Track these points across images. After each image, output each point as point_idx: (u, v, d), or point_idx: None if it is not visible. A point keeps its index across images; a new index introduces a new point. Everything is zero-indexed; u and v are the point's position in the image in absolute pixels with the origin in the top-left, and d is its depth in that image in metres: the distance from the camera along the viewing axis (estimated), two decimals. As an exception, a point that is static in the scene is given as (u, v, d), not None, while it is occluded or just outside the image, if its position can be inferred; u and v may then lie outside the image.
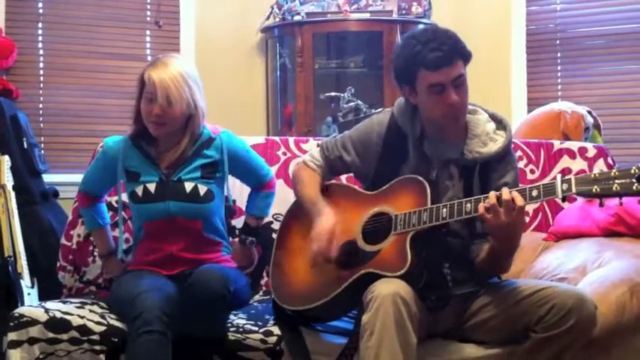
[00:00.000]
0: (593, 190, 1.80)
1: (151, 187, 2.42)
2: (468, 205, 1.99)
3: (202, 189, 2.43)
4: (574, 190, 1.83)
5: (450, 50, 2.07)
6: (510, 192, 1.93)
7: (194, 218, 2.43)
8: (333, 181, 2.43)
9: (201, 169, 2.44)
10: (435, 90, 2.09)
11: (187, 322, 2.16)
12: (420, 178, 2.11)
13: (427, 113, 2.17)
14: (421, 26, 2.15)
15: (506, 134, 2.19)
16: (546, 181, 2.73)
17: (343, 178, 2.63)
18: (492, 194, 1.94)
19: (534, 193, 1.91)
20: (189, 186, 2.41)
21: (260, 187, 2.60)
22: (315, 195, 2.28)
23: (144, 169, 2.44)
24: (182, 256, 2.39)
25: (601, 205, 1.84)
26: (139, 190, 2.43)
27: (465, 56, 2.12)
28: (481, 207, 1.94)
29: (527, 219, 2.69)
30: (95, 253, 2.71)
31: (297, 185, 2.36)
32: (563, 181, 1.85)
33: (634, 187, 1.76)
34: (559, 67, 4.27)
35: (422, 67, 2.08)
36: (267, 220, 2.71)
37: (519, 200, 1.91)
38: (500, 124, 2.23)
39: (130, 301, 2.18)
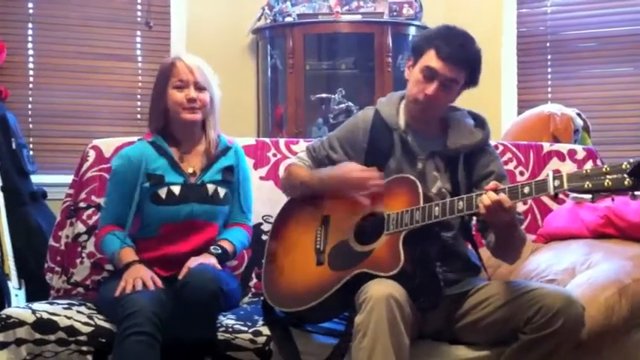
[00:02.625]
0: (585, 185, 1.80)
1: (175, 189, 2.42)
2: (460, 203, 1.99)
3: (222, 191, 2.47)
4: (566, 186, 1.83)
5: (464, 56, 2.16)
6: (498, 193, 1.93)
7: (213, 220, 2.46)
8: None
9: (221, 172, 2.49)
10: (426, 73, 2.15)
11: (179, 324, 2.14)
12: (412, 177, 2.13)
13: (409, 90, 2.23)
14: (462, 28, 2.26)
15: (484, 129, 2.27)
16: (536, 182, 2.77)
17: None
18: (487, 196, 1.93)
19: (526, 190, 1.91)
20: (211, 188, 2.46)
21: (236, 224, 2.55)
22: (313, 173, 2.30)
23: (168, 172, 2.44)
24: (178, 259, 2.36)
25: (593, 201, 1.84)
26: (162, 192, 2.42)
27: (472, 76, 2.20)
28: (482, 207, 1.93)
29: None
30: (83, 255, 2.69)
31: (291, 180, 2.36)
32: (555, 178, 1.85)
33: (625, 182, 1.75)
34: (549, 70, 4.28)
35: (433, 48, 2.15)
36: (256, 221, 2.70)
37: (506, 201, 1.91)
38: (477, 121, 2.30)
39: (120, 300, 2.17)
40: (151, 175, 2.43)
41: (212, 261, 2.33)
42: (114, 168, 2.51)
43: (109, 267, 2.67)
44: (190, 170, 2.47)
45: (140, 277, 2.25)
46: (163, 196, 2.42)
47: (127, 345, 2.05)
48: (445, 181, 2.21)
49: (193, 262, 2.31)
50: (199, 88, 2.43)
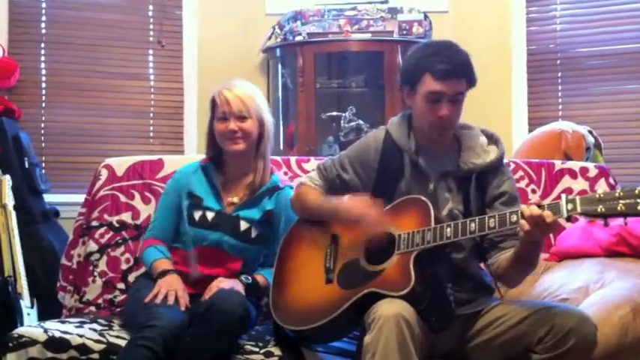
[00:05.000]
0: (598, 209, 1.80)
1: (210, 215, 2.47)
2: (472, 224, 1.99)
3: (255, 231, 2.47)
4: (579, 209, 1.83)
5: (459, 66, 2.12)
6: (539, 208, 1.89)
7: (239, 255, 2.46)
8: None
9: (262, 213, 2.48)
10: (432, 98, 2.13)
11: (199, 345, 2.13)
12: (424, 198, 2.11)
13: (417, 119, 2.21)
14: (440, 39, 2.25)
15: (498, 148, 2.24)
16: (548, 200, 2.76)
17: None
18: (530, 209, 1.89)
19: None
20: (243, 225, 2.46)
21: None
22: (324, 198, 2.29)
23: (207, 197, 2.49)
24: (205, 278, 2.38)
25: (606, 224, 1.85)
26: (197, 215, 2.47)
27: (471, 79, 2.16)
28: (525, 224, 1.90)
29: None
30: (95, 274, 2.70)
31: (301, 202, 2.36)
32: (568, 201, 1.85)
33: (639, 207, 1.76)
34: (559, 87, 4.28)
35: (428, 72, 2.12)
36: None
37: (548, 216, 1.87)
38: (491, 139, 2.28)
39: (148, 307, 2.19)
40: (191, 194, 2.50)
41: (238, 287, 2.33)
42: (165, 187, 2.62)
43: (120, 286, 2.69)
44: (231, 200, 2.50)
45: (174, 290, 2.27)
46: (197, 218, 2.47)
47: (133, 351, 2.06)
48: (457, 203, 2.19)
49: (220, 282, 2.32)
50: (240, 117, 2.45)
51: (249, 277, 2.41)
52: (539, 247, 2.05)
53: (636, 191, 1.77)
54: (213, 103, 2.50)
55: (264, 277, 2.44)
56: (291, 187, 2.52)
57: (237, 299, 2.20)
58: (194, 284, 2.38)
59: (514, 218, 1.93)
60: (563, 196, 1.88)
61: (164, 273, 2.36)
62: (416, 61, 2.17)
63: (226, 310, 2.14)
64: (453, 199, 2.19)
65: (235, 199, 2.50)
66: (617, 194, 1.79)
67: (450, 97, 2.12)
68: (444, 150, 2.24)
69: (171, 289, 2.28)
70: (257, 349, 2.21)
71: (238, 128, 2.44)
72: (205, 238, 2.45)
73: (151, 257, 2.46)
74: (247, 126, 2.45)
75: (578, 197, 1.84)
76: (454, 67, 2.11)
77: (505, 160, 2.37)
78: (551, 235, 2.75)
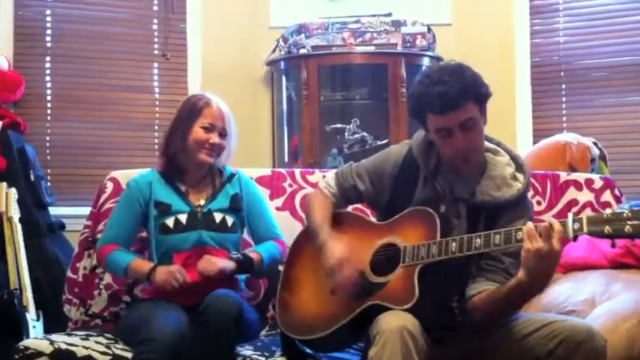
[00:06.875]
0: (605, 230, 1.76)
1: (182, 217, 2.48)
2: (478, 240, 1.96)
3: (229, 220, 2.52)
4: (585, 229, 1.79)
5: (457, 93, 2.00)
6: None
7: (222, 247, 2.48)
8: (343, 210, 2.43)
9: (229, 200, 2.55)
10: (442, 134, 2.06)
11: (198, 348, 2.14)
12: (431, 210, 2.10)
13: (440, 151, 2.16)
14: (443, 63, 2.13)
15: (524, 180, 2.14)
16: (553, 212, 2.76)
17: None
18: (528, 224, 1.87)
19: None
20: (218, 216, 2.51)
21: (270, 238, 2.60)
22: (322, 222, 2.28)
23: (175, 201, 2.51)
24: (202, 288, 2.36)
25: (613, 245, 1.80)
26: (170, 222, 2.47)
27: (478, 97, 2.06)
28: (521, 233, 1.86)
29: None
30: (101, 286, 2.70)
31: (307, 209, 2.38)
32: (574, 220, 1.82)
33: None
34: (564, 99, 4.28)
35: (429, 110, 2.06)
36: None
37: (556, 225, 1.83)
38: (520, 168, 2.18)
39: (145, 323, 2.19)
40: (158, 203, 2.49)
41: (230, 265, 2.39)
42: (122, 193, 2.59)
43: (126, 298, 2.69)
44: (198, 203, 2.53)
45: (174, 273, 2.32)
46: (171, 225, 2.47)
47: None
48: (462, 231, 2.11)
49: (211, 258, 2.38)
50: (223, 134, 2.52)
51: (237, 253, 2.45)
52: (529, 295, 1.99)
53: None
54: (199, 109, 2.51)
55: (258, 253, 2.49)
56: (240, 171, 2.64)
57: (231, 300, 2.21)
58: (192, 296, 2.36)
59: (520, 235, 1.89)
60: (570, 215, 1.84)
61: (152, 271, 2.38)
62: (416, 99, 2.10)
63: (220, 311, 2.15)
64: (459, 226, 2.14)
65: (202, 202, 2.53)
66: (625, 215, 1.74)
67: (459, 127, 2.04)
68: (465, 174, 2.16)
69: (171, 273, 2.32)
70: (263, 359, 2.21)
71: (219, 142, 2.50)
72: (186, 240, 2.46)
73: (124, 259, 2.45)
74: (224, 143, 2.53)
75: (585, 217, 1.80)
76: (450, 98, 1.99)
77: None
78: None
